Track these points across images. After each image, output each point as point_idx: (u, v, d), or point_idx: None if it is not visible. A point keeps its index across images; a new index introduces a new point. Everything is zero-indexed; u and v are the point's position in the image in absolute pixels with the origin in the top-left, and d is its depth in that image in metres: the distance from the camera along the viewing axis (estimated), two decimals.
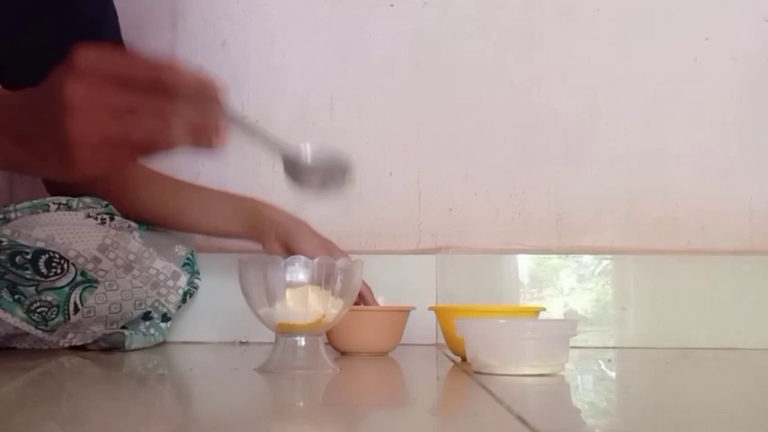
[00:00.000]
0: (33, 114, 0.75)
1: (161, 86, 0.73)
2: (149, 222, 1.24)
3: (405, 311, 1.19)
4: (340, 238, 1.26)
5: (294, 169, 0.81)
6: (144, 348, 1.18)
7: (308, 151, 0.82)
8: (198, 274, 1.27)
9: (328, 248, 1.19)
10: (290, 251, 1.18)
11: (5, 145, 0.78)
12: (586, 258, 1.39)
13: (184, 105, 0.73)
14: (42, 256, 1.11)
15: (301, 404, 0.82)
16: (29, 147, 0.77)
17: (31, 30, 1.15)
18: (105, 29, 1.22)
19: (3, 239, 1.11)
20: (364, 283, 1.20)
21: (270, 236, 1.22)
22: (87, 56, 0.72)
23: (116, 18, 1.25)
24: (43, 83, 0.75)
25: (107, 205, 1.21)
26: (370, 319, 1.17)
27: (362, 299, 1.22)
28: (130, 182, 1.23)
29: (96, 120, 0.72)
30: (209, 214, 1.26)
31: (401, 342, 1.34)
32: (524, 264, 1.40)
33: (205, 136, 0.74)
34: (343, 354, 1.16)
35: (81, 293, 1.13)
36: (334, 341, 1.16)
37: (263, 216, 1.23)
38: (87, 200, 1.20)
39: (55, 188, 1.24)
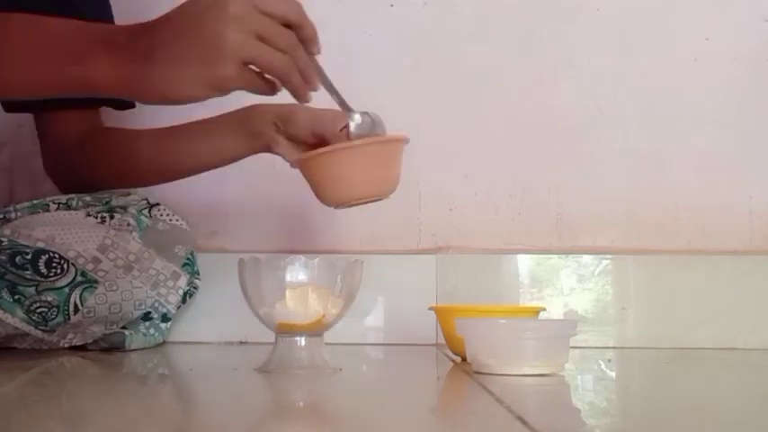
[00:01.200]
0: (176, 31, 0.85)
1: (293, 27, 0.86)
2: (151, 182, 1.24)
3: (400, 141, 1.03)
4: (340, 238, 1.27)
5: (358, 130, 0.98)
6: (144, 348, 1.18)
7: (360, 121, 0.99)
8: (198, 274, 1.27)
9: (325, 115, 1.11)
10: (290, 137, 1.13)
11: (129, 67, 0.86)
12: (586, 258, 1.39)
13: (302, 50, 0.88)
14: (42, 257, 1.11)
15: (301, 404, 0.82)
16: (166, 62, 0.85)
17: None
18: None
19: (3, 239, 1.11)
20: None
21: (270, 132, 1.15)
22: None
23: (112, 22, 1.25)
24: (188, 3, 0.85)
25: (107, 203, 1.21)
26: (363, 157, 0.99)
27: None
28: (121, 149, 1.25)
29: (250, 39, 0.83)
30: (206, 143, 1.21)
31: (402, 342, 1.35)
32: (524, 264, 1.40)
33: (304, 86, 0.90)
34: (337, 207, 1.02)
35: (81, 294, 1.13)
36: (327, 193, 1.01)
37: (254, 116, 1.16)
38: (87, 198, 1.21)
39: (54, 173, 1.27)
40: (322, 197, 1.01)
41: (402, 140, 1.04)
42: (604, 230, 1.42)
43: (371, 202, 1.01)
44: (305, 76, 0.89)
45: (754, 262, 1.38)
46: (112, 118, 1.32)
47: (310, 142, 1.13)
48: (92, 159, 1.25)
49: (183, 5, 0.87)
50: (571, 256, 1.39)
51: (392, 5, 1.45)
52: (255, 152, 1.18)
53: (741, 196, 1.42)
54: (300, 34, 0.88)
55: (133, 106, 1.29)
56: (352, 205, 1.01)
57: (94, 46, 0.88)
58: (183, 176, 1.26)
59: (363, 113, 0.99)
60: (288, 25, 0.87)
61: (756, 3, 1.44)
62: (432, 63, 1.45)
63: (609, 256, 1.39)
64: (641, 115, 1.44)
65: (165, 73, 0.86)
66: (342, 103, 0.96)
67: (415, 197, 1.42)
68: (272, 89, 0.90)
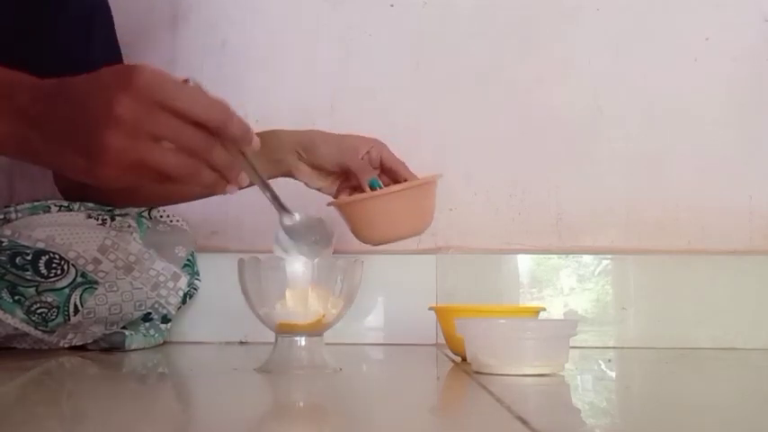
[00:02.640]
0: (65, 108, 0.74)
1: (209, 127, 0.74)
2: (165, 202, 1.23)
3: (432, 183, 1.10)
4: (340, 239, 1.26)
5: (289, 231, 0.93)
6: (144, 348, 1.18)
7: (297, 220, 0.93)
8: (198, 275, 1.27)
9: (346, 144, 1.13)
10: (314, 165, 1.14)
11: (23, 130, 0.76)
12: (586, 258, 1.39)
13: (217, 150, 0.75)
14: (42, 257, 1.11)
15: (301, 404, 0.82)
16: (52, 138, 0.75)
17: (19, 27, 1.14)
18: (94, 30, 1.21)
19: (3, 240, 1.11)
20: (395, 157, 1.14)
21: (291, 160, 1.15)
22: (149, 77, 0.72)
23: (109, 19, 1.24)
24: (86, 78, 0.74)
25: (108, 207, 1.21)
26: (400, 201, 1.08)
27: (396, 174, 1.14)
28: None
29: (136, 142, 0.72)
30: None
31: (402, 342, 1.35)
32: (524, 264, 1.40)
33: (223, 182, 0.78)
34: (375, 245, 1.10)
35: (81, 294, 1.13)
36: (366, 234, 1.09)
37: (275, 142, 1.15)
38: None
39: (67, 191, 1.25)
40: (361, 237, 1.10)
41: (435, 182, 1.11)
42: (604, 230, 1.42)
43: (407, 238, 1.10)
44: (225, 176, 0.78)
45: (754, 262, 1.38)
46: None
47: (334, 171, 1.14)
48: None
49: (81, 80, 0.75)
50: (571, 256, 1.39)
51: (392, 5, 1.45)
52: (276, 177, 1.16)
53: (741, 196, 1.42)
54: (223, 133, 0.76)
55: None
56: (389, 242, 1.09)
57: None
58: (196, 198, 1.24)
59: (302, 216, 0.94)
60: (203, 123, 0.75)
61: (756, 3, 1.44)
62: (432, 63, 1.45)
63: (609, 256, 1.39)
64: (641, 115, 1.44)
65: (52, 151, 0.76)
66: (277, 203, 0.90)
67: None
68: (175, 184, 0.77)
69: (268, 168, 1.16)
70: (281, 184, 1.18)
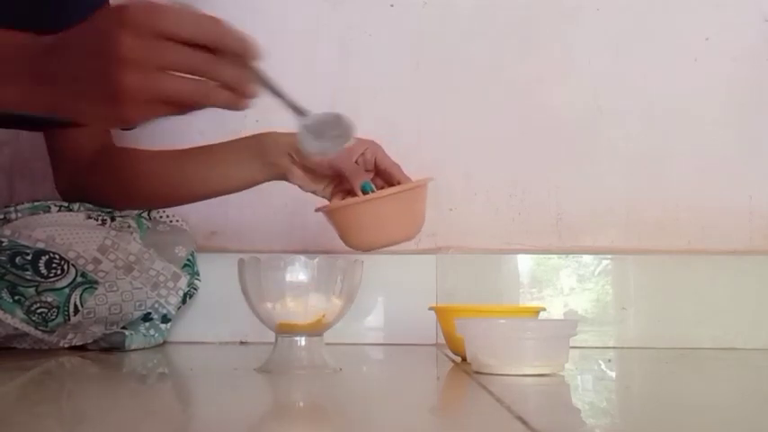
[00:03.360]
0: (70, 61, 0.75)
1: (209, 46, 0.75)
2: (163, 204, 1.23)
3: (422, 187, 1.08)
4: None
5: (309, 131, 0.88)
6: (144, 348, 1.18)
7: (314, 119, 0.88)
8: (198, 275, 1.27)
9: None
10: (307, 169, 1.14)
11: (35, 88, 0.77)
12: (586, 258, 1.39)
13: (223, 65, 0.76)
14: (42, 257, 1.11)
15: (301, 404, 0.82)
16: (65, 92, 0.76)
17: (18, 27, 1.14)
18: None
19: (3, 240, 1.11)
20: (390, 159, 1.12)
21: (285, 163, 1.14)
22: (141, 11, 0.73)
23: None
24: (82, 27, 0.75)
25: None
26: (388, 206, 1.05)
27: (390, 176, 1.12)
28: (132, 171, 1.22)
29: (146, 75, 0.73)
30: (217, 169, 1.19)
31: (402, 342, 1.35)
32: (524, 264, 1.40)
33: (236, 98, 0.78)
34: (365, 252, 1.08)
35: (81, 294, 1.13)
36: (354, 240, 1.07)
37: (269, 145, 1.15)
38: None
39: (66, 192, 1.25)
40: (349, 243, 1.07)
41: (426, 185, 1.08)
42: (604, 230, 1.42)
43: (398, 244, 1.07)
44: (236, 90, 0.78)
45: (754, 262, 1.38)
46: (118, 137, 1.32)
47: (328, 174, 1.13)
48: (103, 179, 1.23)
49: (77, 31, 0.76)
50: (571, 256, 1.39)
51: (392, 5, 1.45)
52: (270, 180, 1.17)
53: (741, 196, 1.42)
54: (224, 48, 0.77)
55: (135, 127, 1.29)
56: (378, 249, 1.06)
57: (16, 64, 0.79)
58: (194, 200, 1.24)
59: (318, 114, 0.89)
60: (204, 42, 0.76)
61: (756, 3, 1.44)
62: (432, 63, 1.45)
63: (609, 256, 1.39)
64: (641, 115, 1.44)
65: (69, 104, 0.78)
66: (293, 106, 0.87)
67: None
68: (193, 109, 0.79)
69: (261, 172, 1.17)
70: (279, 185, 1.19)
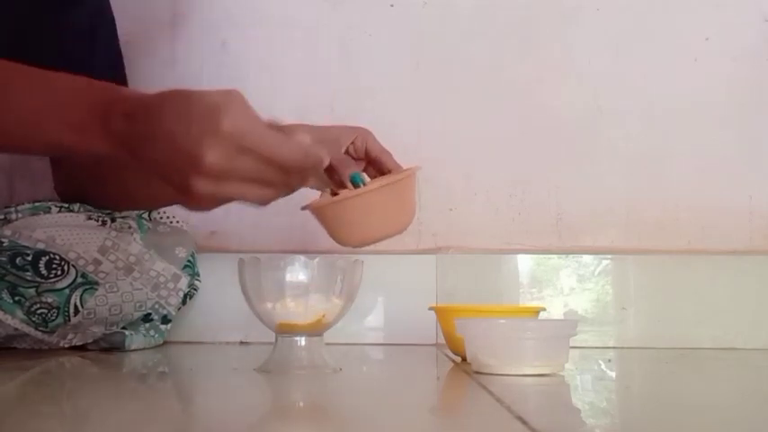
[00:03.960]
0: (158, 143, 0.79)
1: (289, 170, 0.80)
2: (160, 205, 1.23)
3: (410, 177, 1.04)
4: None
5: None
6: (144, 348, 1.18)
7: None
8: (198, 275, 1.27)
9: (326, 137, 1.08)
10: None
11: (119, 151, 0.83)
12: (586, 258, 1.39)
13: (290, 180, 0.82)
14: (43, 258, 1.11)
15: (301, 404, 0.82)
16: (146, 164, 0.82)
17: (21, 35, 1.14)
18: (98, 40, 1.21)
19: (3, 240, 1.11)
20: (381, 146, 1.11)
21: None
22: (236, 122, 0.76)
23: (112, 26, 1.24)
24: (180, 114, 0.78)
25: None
26: (376, 199, 1.01)
27: (381, 165, 1.10)
28: (129, 172, 1.22)
29: (223, 186, 0.78)
30: None
31: (402, 342, 1.35)
32: (524, 264, 1.40)
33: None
34: (355, 248, 1.04)
35: (81, 295, 1.13)
36: (343, 236, 1.03)
37: None
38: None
39: (65, 193, 1.25)
40: (339, 240, 1.03)
41: (414, 175, 1.05)
42: (604, 230, 1.42)
43: (390, 237, 1.04)
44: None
45: (754, 262, 1.38)
46: None
47: None
48: (103, 181, 1.21)
49: (174, 110, 0.80)
50: (571, 256, 1.39)
51: (392, 5, 1.45)
52: None
53: (741, 196, 1.42)
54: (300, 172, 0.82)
55: None
56: (370, 244, 1.03)
57: (93, 121, 0.84)
58: None
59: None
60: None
61: (756, 3, 1.44)
62: (432, 63, 1.45)
63: (609, 256, 1.39)
64: (641, 115, 1.44)
65: (147, 172, 0.84)
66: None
67: (417, 192, 1.41)
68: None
69: None
70: None
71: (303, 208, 1.07)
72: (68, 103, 0.86)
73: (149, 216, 1.24)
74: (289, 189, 0.84)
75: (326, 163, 0.84)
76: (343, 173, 1.05)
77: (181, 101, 0.79)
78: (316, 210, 1.03)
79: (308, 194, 1.16)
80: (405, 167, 1.08)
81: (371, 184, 1.02)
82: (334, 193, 1.03)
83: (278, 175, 0.80)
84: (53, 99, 0.87)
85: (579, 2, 1.45)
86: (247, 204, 0.83)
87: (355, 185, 1.02)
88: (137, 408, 0.76)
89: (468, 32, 1.45)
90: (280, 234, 1.41)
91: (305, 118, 1.40)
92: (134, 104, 0.82)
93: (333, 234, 1.03)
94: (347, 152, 1.10)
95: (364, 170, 1.10)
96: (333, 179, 1.08)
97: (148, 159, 0.81)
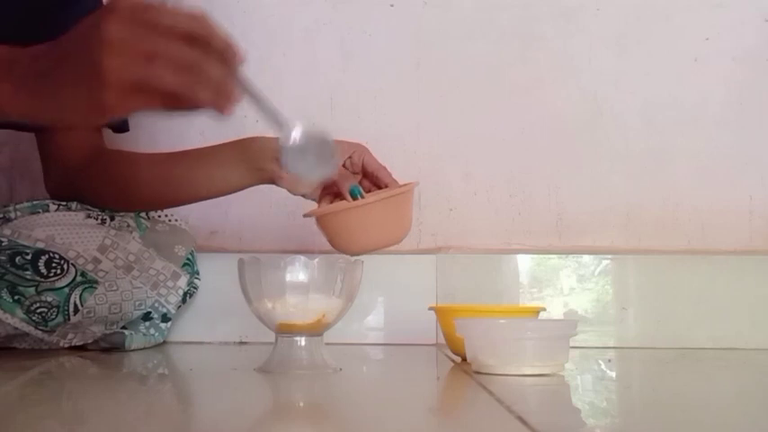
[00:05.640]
0: (59, 57, 0.76)
1: (194, 39, 0.74)
2: (152, 207, 1.23)
3: (409, 191, 1.08)
4: None
5: (289, 155, 0.84)
6: (144, 348, 1.18)
7: (297, 135, 0.84)
8: (197, 274, 1.27)
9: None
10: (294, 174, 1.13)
11: (22, 97, 0.77)
12: (586, 258, 1.39)
13: (210, 63, 0.75)
14: (42, 257, 1.11)
15: (301, 404, 0.82)
16: (51, 92, 0.76)
17: (20, 34, 1.14)
18: None
19: (3, 239, 1.11)
20: (377, 161, 1.12)
21: (273, 168, 1.12)
22: (130, 1, 0.73)
23: None
24: (74, 28, 0.76)
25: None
26: (376, 211, 1.05)
27: (377, 179, 1.12)
28: (121, 173, 1.22)
29: (131, 61, 0.73)
30: (204, 173, 1.18)
31: (402, 342, 1.35)
32: (524, 264, 1.40)
33: (221, 100, 0.76)
34: (353, 255, 1.06)
35: (81, 294, 1.13)
36: (343, 244, 1.06)
37: (256, 150, 1.14)
38: None
39: (57, 191, 1.24)
40: (338, 248, 1.07)
41: (412, 189, 1.08)
42: (604, 230, 1.42)
43: (386, 247, 1.07)
44: (221, 91, 0.76)
45: (754, 262, 1.38)
46: (112, 140, 1.32)
47: None
48: (94, 182, 1.22)
49: (74, 28, 0.77)
50: (571, 256, 1.39)
51: (392, 5, 1.45)
52: (259, 184, 1.16)
53: (741, 196, 1.42)
54: (209, 45, 0.76)
55: (128, 130, 1.29)
56: (367, 253, 1.06)
57: None
58: (182, 203, 1.23)
59: (303, 130, 0.84)
60: (192, 39, 0.75)
61: (756, 3, 1.44)
62: (432, 63, 1.45)
63: (609, 256, 1.39)
64: (641, 115, 1.44)
65: (55, 97, 0.77)
66: (275, 119, 0.83)
67: (415, 197, 1.42)
68: (179, 107, 0.76)
69: (249, 176, 1.16)
70: (272, 189, 1.19)
71: (306, 215, 1.09)
72: None
73: (148, 215, 1.24)
74: (205, 72, 0.75)
75: (230, 41, 0.78)
76: (343, 185, 1.09)
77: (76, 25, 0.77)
78: (318, 217, 1.07)
79: (300, 199, 1.17)
80: (402, 183, 1.11)
81: (372, 197, 1.07)
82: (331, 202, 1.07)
83: (188, 51, 0.74)
84: None
85: (579, 2, 1.45)
86: (174, 97, 0.74)
87: (354, 198, 1.07)
88: (136, 408, 0.76)
89: (468, 32, 1.45)
90: (280, 234, 1.41)
91: (305, 118, 1.41)
92: (38, 48, 0.79)
93: (332, 241, 1.07)
94: (344, 166, 1.12)
95: (360, 184, 1.12)
96: (331, 191, 1.11)
97: (53, 66, 0.76)
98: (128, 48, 0.73)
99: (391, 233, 1.07)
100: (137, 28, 0.73)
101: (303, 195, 1.16)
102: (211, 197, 1.22)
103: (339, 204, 1.07)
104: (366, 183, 1.13)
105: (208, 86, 0.75)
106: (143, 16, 0.73)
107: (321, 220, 1.07)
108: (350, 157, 1.13)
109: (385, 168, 1.13)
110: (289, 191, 1.16)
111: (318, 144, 0.84)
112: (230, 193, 1.20)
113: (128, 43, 0.73)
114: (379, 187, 1.12)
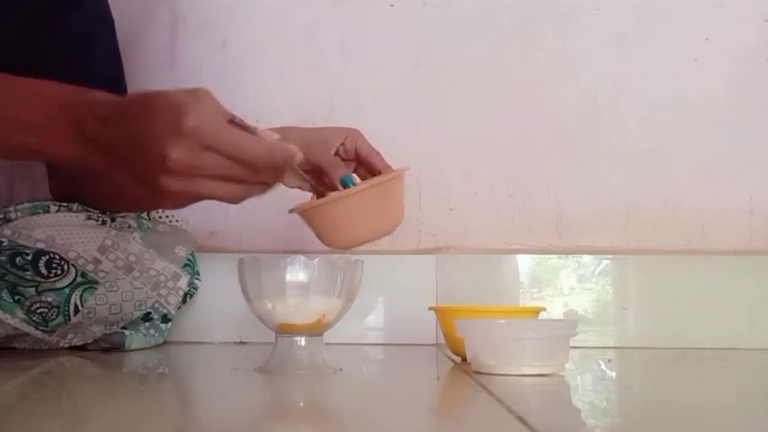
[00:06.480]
0: (126, 145, 0.81)
1: (256, 166, 0.81)
2: (148, 208, 1.23)
3: (397, 178, 1.03)
4: None
5: None
6: (144, 348, 1.18)
7: None
8: (198, 274, 1.27)
9: (316, 138, 1.09)
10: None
11: (89, 155, 0.84)
12: (586, 258, 1.39)
13: (259, 176, 0.83)
14: (42, 257, 1.11)
15: (301, 404, 0.82)
16: (116, 166, 0.83)
17: (19, 44, 1.14)
18: (97, 42, 1.21)
19: (3, 240, 1.11)
20: (371, 146, 1.09)
21: None
22: (198, 120, 0.78)
23: (111, 29, 1.24)
24: (143, 116, 0.80)
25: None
26: (363, 202, 1.00)
27: (371, 165, 1.09)
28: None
29: (188, 183, 0.80)
30: None
31: (402, 342, 1.34)
32: (524, 264, 1.40)
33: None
34: (343, 250, 1.04)
35: (81, 294, 1.13)
36: (331, 238, 1.02)
37: None
38: None
39: (60, 193, 1.24)
40: (326, 242, 1.03)
41: (400, 176, 1.03)
42: (604, 230, 1.42)
43: (376, 239, 1.03)
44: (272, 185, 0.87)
45: (754, 262, 1.38)
46: None
47: (305, 169, 1.11)
48: (97, 183, 1.22)
49: (137, 112, 0.81)
50: (571, 256, 1.39)
51: (392, 5, 1.45)
52: None
53: (741, 196, 1.42)
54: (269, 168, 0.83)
55: None
56: (355, 246, 1.03)
57: (65, 124, 0.84)
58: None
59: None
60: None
61: (756, 3, 1.44)
62: (432, 63, 1.45)
63: (609, 256, 1.39)
64: (641, 115, 1.44)
65: (117, 174, 0.85)
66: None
67: (415, 197, 1.42)
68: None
69: None
70: (278, 185, 1.19)
71: (290, 211, 1.06)
72: (38, 106, 0.86)
73: (148, 215, 1.24)
74: (263, 186, 0.85)
75: (300, 157, 0.85)
76: (334, 175, 1.04)
77: (147, 102, 0.81)
78: (301, 212, 1.03)
79: (299, 196, 1.16)
80: (395, 168, 1.07)
81: (355, 188, 1.01)
82: (320, 195, 1.02)
83: (246, 172, 0.81)
84: (23, 101, 0.88)
85: (579, 2, 1.45)
86: (224, 201, 0.83)
87: (345, 187, 1.02)
88: (136, 408, 0.76)
89: (468, 32, 1.45)
90: (280, 234, 1.41)
91: (305, 118, 1.41)
92: (106, 107, 0.83)
93: (319, 236, 1.03)
94: (337, 153, 1.09)
95: (354, 171, 1.09)
96: (323, 181, 1.08)
97: (120, 161, 0.82)
98: (188, 173, 0.79)
99: (378, 224, 1.01)
100: (200, 153, 0.79)
101: (299, 187, 1.14)
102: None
103: (325, 198, 1.01)
104: (362, 170, 1.09)
105: (250, 195, 0.84)
106: (207, 141, 0.79)
107: (306, 215, 1.02)
108: (342, 144, 1.09)
109: (378, 153, 1.09)
110: (282, 183, 1.14)
111: None
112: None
113: (189, 169, 0.79)
114: (374, 174, 1.08)
